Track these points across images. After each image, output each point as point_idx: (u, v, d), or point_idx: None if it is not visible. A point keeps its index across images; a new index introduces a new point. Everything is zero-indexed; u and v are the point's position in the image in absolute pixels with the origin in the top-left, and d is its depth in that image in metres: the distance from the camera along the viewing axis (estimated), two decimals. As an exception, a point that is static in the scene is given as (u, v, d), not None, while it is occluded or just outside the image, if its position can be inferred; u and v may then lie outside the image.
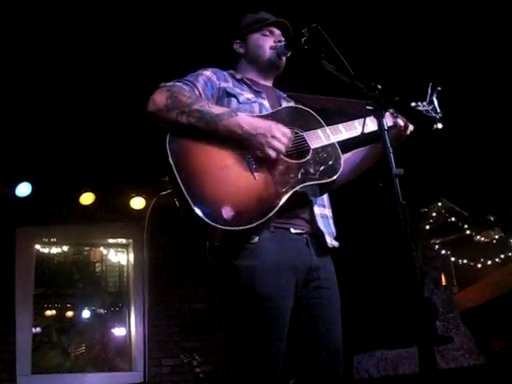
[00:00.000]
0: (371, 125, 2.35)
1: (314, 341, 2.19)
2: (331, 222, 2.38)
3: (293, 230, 2.21)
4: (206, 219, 1.93)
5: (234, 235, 2.01)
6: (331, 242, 2.31)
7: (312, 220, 2.27)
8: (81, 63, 4.82)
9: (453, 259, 8.24)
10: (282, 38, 2.54)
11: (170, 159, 2.04)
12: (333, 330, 2.23)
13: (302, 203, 2.22)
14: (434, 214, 7.96)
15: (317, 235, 2.26)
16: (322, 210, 2.34)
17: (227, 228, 1.95)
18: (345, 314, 2.30)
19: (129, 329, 7.20)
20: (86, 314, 7.34)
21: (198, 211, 1.94)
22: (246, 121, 2.17)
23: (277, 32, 2.57)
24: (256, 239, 2.07)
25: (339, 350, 2.23)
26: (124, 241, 7.66)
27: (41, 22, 4.37)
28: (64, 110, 5.32)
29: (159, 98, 2.19)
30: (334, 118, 2.43)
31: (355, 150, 2.54)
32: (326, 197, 2.41)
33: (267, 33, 2.57)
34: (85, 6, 4.29)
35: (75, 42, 4.61)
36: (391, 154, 1.79)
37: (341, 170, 2.26)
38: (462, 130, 5.38)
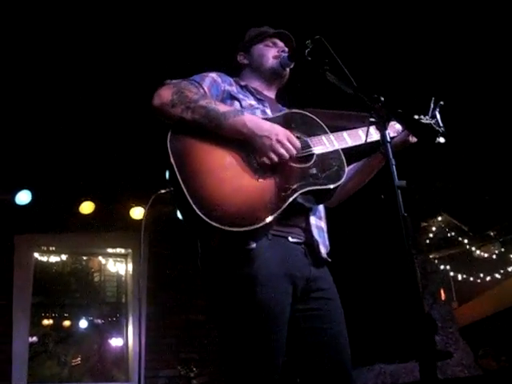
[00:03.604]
0: (375, 134, 2.35)
1: (321, 355, 2.14)
2: (326, 235, 2.34)
3: (291, 239, 2.17)
4: (205, 219, 1.88)
5: (232, 237, 1.95)
6: (324, 253, 2.27)
7: (307, 229, 2.23)
8: (82, 72, 4.83)
9: (452, 274, 8.22)
10: (286, 49, 2.55)
11: (171, 158, 2.00)
12: (339, 345, 2.18)
13: (300, 210, 2.19)
14: (433, 229, 7.95)
15: (312, 245, 2.22)
16: (318, 222, 2.30)
17: (227, 229, 1.89)
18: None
19: (126, 339, 7.17)
20: (83, 323, 7.30)
21: (197, 211, 1.89)
22: (253, 120, 2.13)
23: (280, 43, 2.60)
24: (254, 245, 2.01)
25: (347, 364, 2.17)
26: (123, 251, 7.63)
27: (41, 26, 4.38)
28: (65, 118, 5.32)
29: (165, 93, 2.15)
30: (337, 130, 2.41)
31: (351, 165, 2.50)
32: (323, 210, 2.39)
33: (270, 44, 2.59)
34: (86, 10, 4.29)
35: (77, 51, 4.62)
36: (394, 166, 1.78)
37: (344, 176, 2.23)
38: (464, 145, 5.39)
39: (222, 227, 1.89)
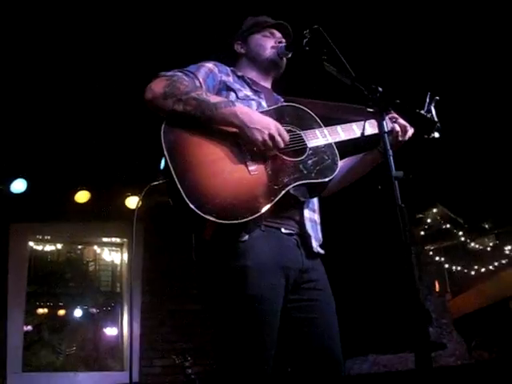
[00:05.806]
0: (370, 128, 2.36)
1: (311, 344, 2.15)
2: (319, 228, 2.35)
3: (284, 230, 2.18)
4: (198, 212, 1.90)
5: (225, 230, 1.98)
6: (317, 247, 2.28)
7: (301, 222, 2.24)
8: (77, 62, 4.80)
9: (446, 266, 8.26)
10: (283, 40, 2.54)
11: (164, 150, 2.01)
12: (330, 335, 2.19)
13: (294, 203, 2.19)
14: (428, 220, 7.97)
15: (304, 238, 2.24)
16: (312, 215, 2.31)
17: (219, 221, 1.91)
18: (337, 318, 2.26)
19: (121, 329, 7.18)
20: (78, 312, 7.29)
21: (190, 203, 1.90)
22: (244, 111, 2.13)
23: (277, 34, 2.59)
24: (246, 237, 2.03)
25: (337, 353, 2.18)
26: (118, 240, 7.64)
27: (37, 18, 4.35)
28: (61, 107, 5.30)
29: (157, 86, 2.16)
30: (331, 122, 2.41)
31: (347, 159, 2.51)
32: (316, 202, 2.39)
33: (268, 34, 2.58)
34: (81, 4, 4.27)
35: (71, 42, 4.60)
36: (391, 157, 1.78)
37: (337, 170, 2.24)
38: (459, 137, 5.39)
39: (214, 220, 1.91)
